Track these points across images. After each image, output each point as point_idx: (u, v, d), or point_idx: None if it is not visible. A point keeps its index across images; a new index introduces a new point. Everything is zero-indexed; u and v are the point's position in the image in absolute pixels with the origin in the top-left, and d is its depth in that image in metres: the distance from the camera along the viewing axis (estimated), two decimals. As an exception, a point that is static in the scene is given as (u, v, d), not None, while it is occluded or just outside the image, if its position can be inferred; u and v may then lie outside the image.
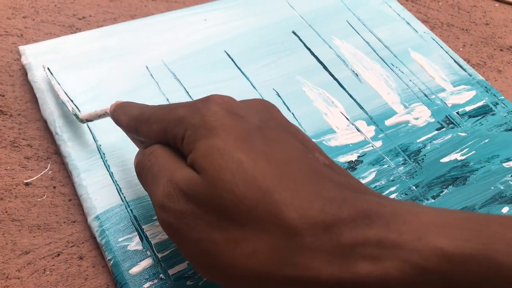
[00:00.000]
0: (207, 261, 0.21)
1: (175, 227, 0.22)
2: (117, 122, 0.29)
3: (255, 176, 0.20)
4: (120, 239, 0.30)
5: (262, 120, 0.24)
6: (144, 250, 0.30)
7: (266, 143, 0.22)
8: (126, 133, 0.29)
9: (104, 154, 0.34)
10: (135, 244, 0.30)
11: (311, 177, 0.21)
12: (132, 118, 0.27)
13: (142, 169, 0.25)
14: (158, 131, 0.25)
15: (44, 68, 0.37)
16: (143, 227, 0.31)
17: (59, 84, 0.36)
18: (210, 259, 0.21)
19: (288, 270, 0.20)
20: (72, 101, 0.36)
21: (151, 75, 0.39)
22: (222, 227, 0.21)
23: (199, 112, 0.23)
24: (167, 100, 0.38)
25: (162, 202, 0.22)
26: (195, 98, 0.38)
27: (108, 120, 0.35)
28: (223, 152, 0.21)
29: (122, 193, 0.32)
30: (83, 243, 0.31)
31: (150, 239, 0.30)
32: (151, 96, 0.38)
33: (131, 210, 0.31)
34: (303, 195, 0.20)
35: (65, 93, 0.36)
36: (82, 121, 0.34)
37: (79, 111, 0.35)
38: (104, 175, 0.33)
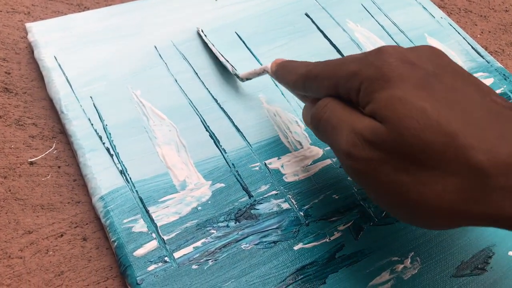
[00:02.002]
0: (396, 201, 0.23)
1: (363, 172, 0.24)
2: (281, 80, 0.32)
3: (440, 122, 0.21)
4: (125, 221, 0.29)
5: (435, 66, 0.24)
6: (149, 232, 0.29)
7: (445, 89, 0.23)
8: (290, 90, 0.31)
9: (110, 134, 0.33)
10: (140, 226, 0.29)
11: (493, 121, 0.22)
12: (300, 76, 0.29)
13: (319, 121, 0.27)
14: (329, 86, 0.27)
15: (198, 29, 0.40)
16: (148, 208, 0.30)
17: (213, 45, 0.39)
18: (399, 199, 0.23)
19: (479, 207, 0.21)
20: (228, 61, 0.38)
21: (160, 55, 0.38)
22: (409, 170, 0.22)
23: (373, 64, 0.24)
24: (176, 81, 0.37)
25: (348, 150, 0.24)
26: (205, 80, 0.37)
27: (115, 101, 0.34)
28: (404, 102, 0.22)
29: (128, 174, 0.31)
30: (87, 224, 0.31)
31: (155, 221, 0.30)
32: (159, 76, 0.37)
33: (136, 191, 0.31)
34: (489, 139, 0.21)
35: (221, 54, 0.39)
36: (242, 79, 0.37)
37: (237, 70, 0.37)
38: (110, 155, 0.32)
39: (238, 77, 0.37)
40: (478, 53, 0.45)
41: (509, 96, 0.41)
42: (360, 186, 0.25)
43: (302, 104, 0.37)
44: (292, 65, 0.30)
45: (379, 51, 0.25)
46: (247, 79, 0.36)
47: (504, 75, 0.43)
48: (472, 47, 0.45)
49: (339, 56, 0.41)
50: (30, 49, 0.38)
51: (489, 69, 0.43)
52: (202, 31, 0.40)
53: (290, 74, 0.30)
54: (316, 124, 0.27)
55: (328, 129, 0.26)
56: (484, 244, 0.32)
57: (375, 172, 0.23)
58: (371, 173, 0.23)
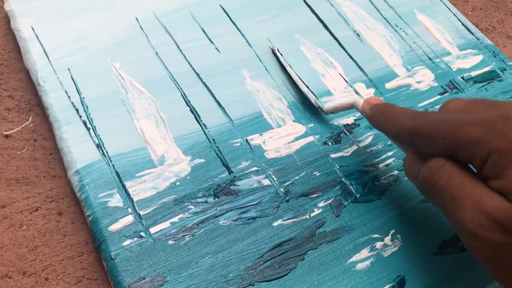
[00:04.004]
0: None
1: (490, 255, 0.22)
2: (379, 126, 0.29)
3: None
4: (100, 195, 0.29)
5: None
6: (125, 207, 0.29)
7: None
8: (388, 137, 0.29)
9: (87, 107, 0.32)
10: (115, 200, 0.29)
11: None
12: (406, 130, 0.26)
13: (433, 186, 0.24)
14: (445, 147, 0.24)
15: (274, 49, 0.37)
16: (125, 183, 0.29)
17: (291, 68, 0.35)
18: None
19: None
20: (312, 91, 0.35)
21: (141, 27, 0.37)
22: None
23: (504, 135, 0.22)
24: (156, 54, 0.36)
25: (474, 231, 0.22)
26: (187, 53, 0.36)
27: (94, 73, 0.33)
28: None
29: (104, 148, 0.30)
30: (62, 198, 0.30)
31: (132, 196, 0.29)
32: (140, 48, 0.36)
33: (113, 165, 0.30)
34: None
35: (303, 82, 0.35)
36: (326, 113, 0.34)
37: (320, 101, 0.34)
38: (87, 128, 0.31)
39: (321, 110, 0.34)
40: (468, 30, 0.44)
41: (498, 73, 0.41)
42: (482, 264, 0.23)
43: (287, 81, 0.37)
44: (393, 113, 0.28)
45: (508, 118, 0.22)
46: (332, 113, 0.34)
47: (494, 52, 0.42)
48: (463, 24, 0.44)
49: (325, 31, 0.40)
50: (6, 19, 0.37)
51: (479, 46, 0.43)
52: (278, 50, 0.37)
53: (391, 124, 0.27)
54: (429, 188, 0.25)
55: (446, 198, 0.24)
56: (466, 222, 0.32)
57: (505, 256, 0.21)
58: (500, 257, 0.22)
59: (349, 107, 0.33)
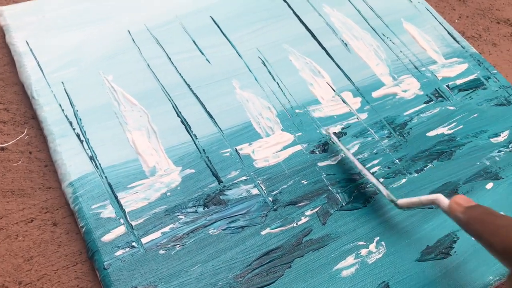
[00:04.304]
0: None
1: None
2: (474, 234, 0.26)
3: None
4: (93, 206, 0.30)
5: None
6: (117, 218, 0.29)
7: None
8: (485, 247, 0.26)
9: (80, 119, 0.33)
10: (108, 211, 0.30)
11: None
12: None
13: None
14: None
15: (329, 132, 0.35)
16: (117, 194, 0.30)
17: (353, 156, 0.34)
18: None
19: None
20: (382, 183, 0.33)
21: (133, 39, 0.38)
22: None
23: None
24: (148, 66, 0.37)
25: None
26: (178, 65, 0.37)
27: (87, 86, 0.34)
28: None
29: (97, 160, 0.31)
30: (57, 209, 0.31)
31: (124, 207, 0.30)
32: (132, 61, 0.37)
33: (105, 177, 0.31)
34: None
35: (371, 174, 0.34)
36: (402, 208, 0.31)
37: (393, 194, 0.32)
38: (80, 141, 0.32)
39: (395, 204, 0.32)
40: (454, 38, 0.45)
41: (482, 82, 0.42)
42: None
43: (276, 90, 0.37)
44: (498, 226, 0.25)
45: None
46: (408, 208, 0.31)
47: (479, 60, 0.43)
48: (448, 32, 0.45)
49: (313, 41, 0.41)
50: (1, 33, 0.38)
51: (464, 55, 0.44)
52: (334, 134, 0.36)
53: (498, 239, 0.24)
54: None
55: None
56: (449, 229, 0.33)
57: None
58: None
59: (429, 204, 0.30)
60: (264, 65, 0.39)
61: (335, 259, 0.30)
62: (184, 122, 0.34)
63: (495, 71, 0.43)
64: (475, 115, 0.39)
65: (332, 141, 0.35)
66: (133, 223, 0.29)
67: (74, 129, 0.32)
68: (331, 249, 0.31)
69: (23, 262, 0.29)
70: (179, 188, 0.31)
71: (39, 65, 0.35)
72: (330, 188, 0.33)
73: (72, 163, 0.31)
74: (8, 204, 0.30)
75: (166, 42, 0.39)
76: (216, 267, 0.29)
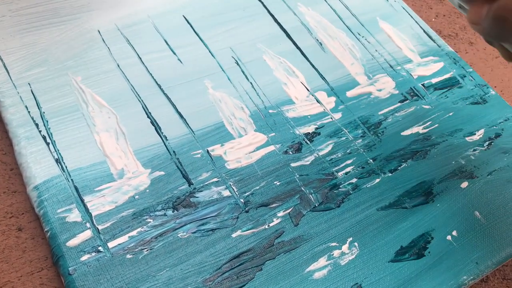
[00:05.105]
0: None
1: None
2: None
3: None
4: (58, 211, 0.29)
5: None
6: (83, 222, 0.29)
7: None
8: None
9: (47, 121, 0.32)
10: (74, 215, 0.29)
11: None
12: None
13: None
14: None
15: None
16: (83, 198, 0.30)
17: None
18: None
19: None
20: None
21: (103, 39, 0.37)
22: None
23: None
24: (118, 66, 0.36)
25: None
26: (149, 65, 0.37)
27: (55, 87, 0.34)
28: None
29: (64, 163, 0.31)
30: (23, 214, 0.30)
31: (90, 211, 0.29)
32: (101, 61, 0.36)
33: (72, 180, 0.30)
34: None
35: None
36: None
37: None
38: (46, 143, 0.31)
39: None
40: (430, 37, 0.45)
41: (458, 80, 0.42)
42: None
43: (250, 90, 0.37)
44: None
45: None
46: None
47: (454, 59, 0.43)
48: (424, 31, 0.45)
49: (288, 41, 0.41)
50: (-33, 34, 0.37)
51: (440, 53, 0.43)
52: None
53: None
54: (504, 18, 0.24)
55: None
56: (424, 229, 0.33)
57: None
58: None
59: None
60: (238, 64, 0.38)
61: (307, 261, 0.30)
62: (154, 123, 0.34)
63: (471, 70, 0.43)
64: (450, 114, 0.39)
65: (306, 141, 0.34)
66: (100, 227, 0.29)
67: (40, 131, 0.32)
68: (303, 251, 0.30)
69: (-15, 268, 0.28)
70: (147, 191, 0.31)
71: (4, 66, 0.34)
72: (303, 189, 0.33)
73: (37, 166, 0.30)
74: (-29, 209, 0.30)
75: (137, 42, 0.38)
76: (185, 271, 0.28)
